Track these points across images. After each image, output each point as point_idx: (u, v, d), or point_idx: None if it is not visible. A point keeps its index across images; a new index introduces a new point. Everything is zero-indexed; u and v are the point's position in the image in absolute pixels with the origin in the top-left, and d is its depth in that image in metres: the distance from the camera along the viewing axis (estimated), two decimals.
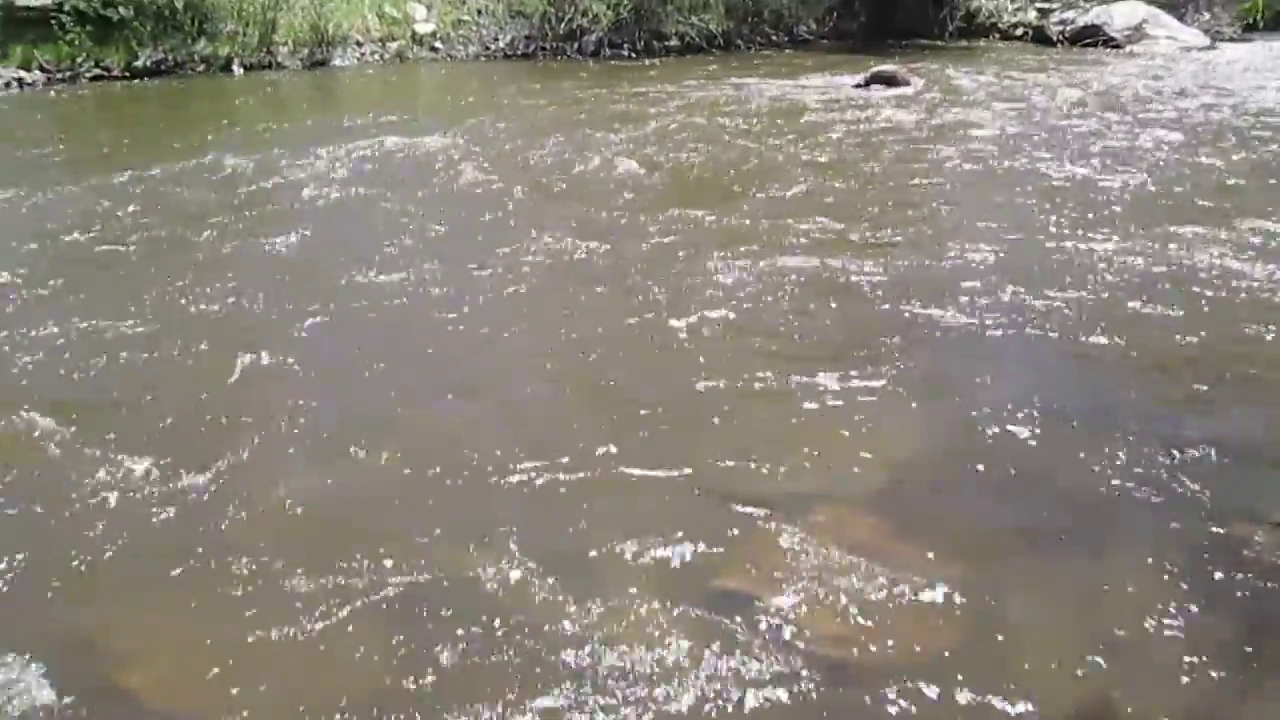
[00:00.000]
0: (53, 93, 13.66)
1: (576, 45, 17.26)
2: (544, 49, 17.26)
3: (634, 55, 17.31)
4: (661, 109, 11.73)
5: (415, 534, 3.48)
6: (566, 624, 3.01)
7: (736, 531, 3.46)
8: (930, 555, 3.33)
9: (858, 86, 13.51)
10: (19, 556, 3.37)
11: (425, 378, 4.77)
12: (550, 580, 3.20)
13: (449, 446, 4.03)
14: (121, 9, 14.37)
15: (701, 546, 3.36)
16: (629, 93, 13.15)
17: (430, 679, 2.82)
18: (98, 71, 14.39)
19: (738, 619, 3.02)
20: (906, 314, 5.36)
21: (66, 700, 2.77)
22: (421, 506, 3.67)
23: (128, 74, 14.47)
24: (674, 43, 17.82)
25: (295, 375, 4.74)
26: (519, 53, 17.19)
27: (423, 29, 17.08)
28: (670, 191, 7.97)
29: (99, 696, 2.81)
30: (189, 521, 3.56)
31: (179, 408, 4.44)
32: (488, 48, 17.28)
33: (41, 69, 14.19)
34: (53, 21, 14.30)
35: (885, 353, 4.89)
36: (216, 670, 2.89)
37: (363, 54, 16.45)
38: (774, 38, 18.90)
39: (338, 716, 2.70)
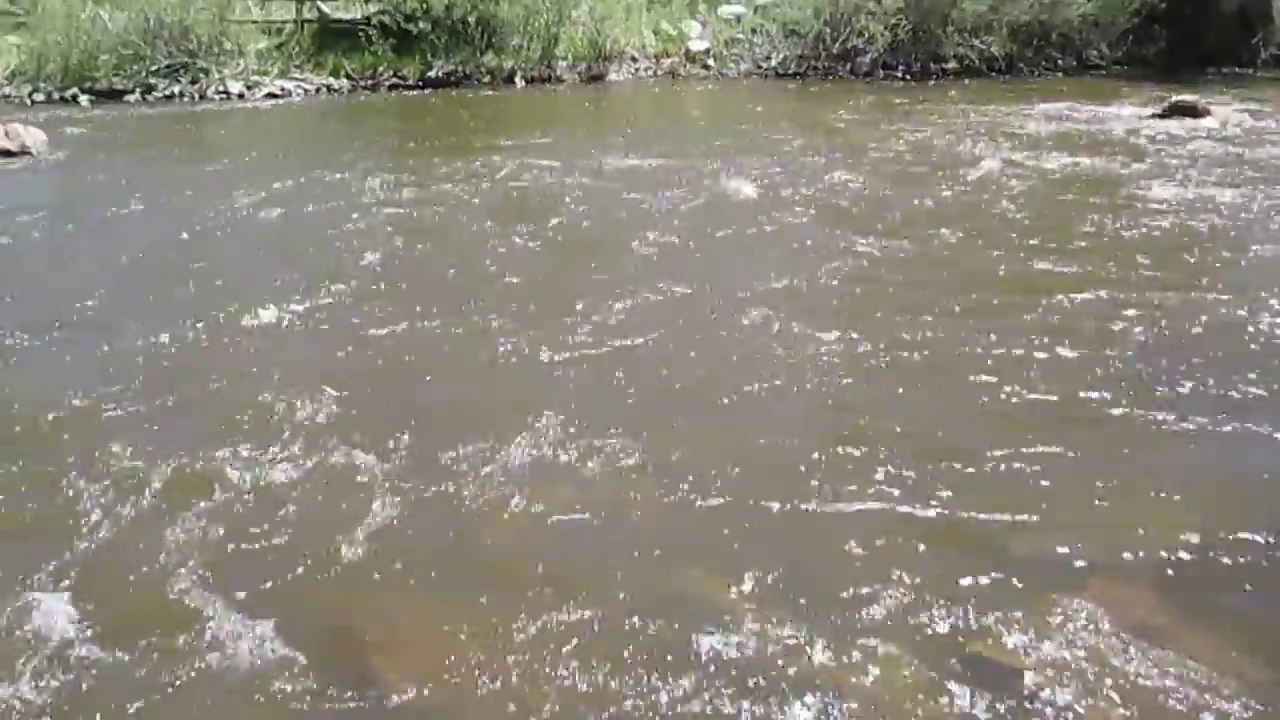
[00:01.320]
0: (358, 99, 14.75)
1: (850, 66, 16.92)
2: (815, 68, 17.03)
3: (909, 78, 16.76)
4: (939, 134, 11.24)
5: (658, 554, 3.36)
6: (806, 676, 2.77)
7: (1000, 591, 3.11)
8: (1230, 652, 2.86)
9: (1155, 117, 12.45)
10: (298, 541, 3.49)
11: (700, 395, 4.65)
12: (791, 626, 2.96)
13: (698, 468, 3.88)
14: (420, 23, 15.37)
15: (959, 604, 3.03)
16: (905, 112, 12.71)
17: (661, 700, 2.68)
18: (395, 80, 15.43)
19: (1000, 694, 2.68)
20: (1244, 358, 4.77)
21: (323, 680, 2.83)
22: (668, 530, 3.53)
23: (421, 84, 15.43)
24: (952, 65, 17.12)
25: (573, 375, 4.74)
26: (790, 72, 17.05)
27: (696, 46, 17.27)
28: (962, 228, 7.44)
29: (352, 682, 2.85)
30: (450, 522, 3.59)
31: (463, 396, 4.53)
32: (759, 66, 17.24)
33: (348, 77, 15.39)
34: (360, 34, 15.51)
35: (1203, 399, 4.34)
36: (464, 666, 2.87)
37: (637, 69, 16.82)
38: (1060, 62, 17.76)
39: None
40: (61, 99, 14.08)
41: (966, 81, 16.52)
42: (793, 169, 9.27)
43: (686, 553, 3.38)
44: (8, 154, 10.53)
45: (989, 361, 4.80)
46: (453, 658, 2.90)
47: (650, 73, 16.85)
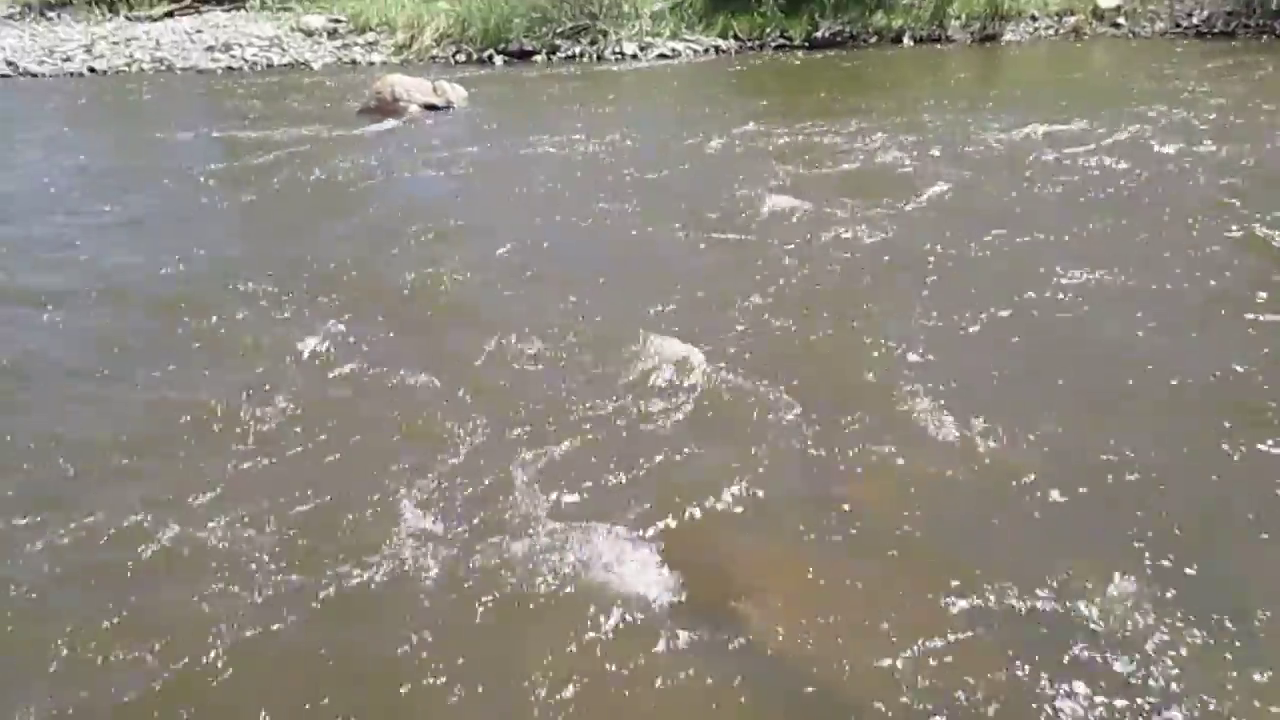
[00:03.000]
0: (744, 59, 14.94)
1: None
2: (1247, 26, 15.02)
3: None
4: None
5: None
6: None
7: None
8: None
9: None
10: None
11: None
12: None
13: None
14: None
15: None
16: None
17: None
18: (781, 41, 15.44)
19: None
20: None
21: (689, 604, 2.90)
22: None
23: (806, 44, 15.33)
24: None
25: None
26: (1215, 30, 15.16)
27: (1106, 3, 15.80)
28: None
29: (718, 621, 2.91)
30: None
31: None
32: (1178, 24, 15.48)
33: (735, 38, 15.61)
34: None
35: None
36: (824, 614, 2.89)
37: (1036, 29, 15.69)
38: None
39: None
40: (479, 60, 15.44)
41: None
42: (1228, 145, 8.14)
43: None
44: (435, 108, 11.71)
45: None
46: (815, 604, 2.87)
47: (1051, 32, 15.65)
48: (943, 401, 4.04)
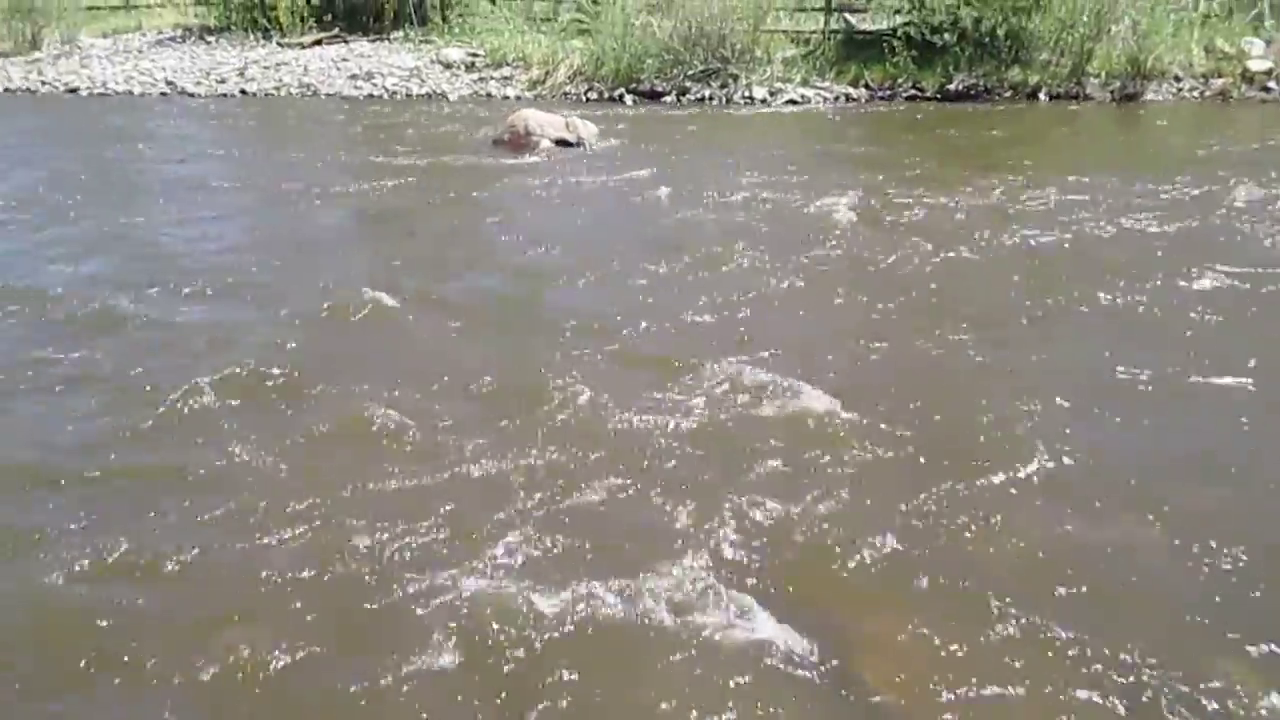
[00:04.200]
0: (874, 108, 14.88)
1: None
2: None
3: None
4: None
5: None
6: None
7: None
8: None
9: None
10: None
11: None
12: None
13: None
14: (946, 35, 15.09)
15: None
16: None
17: None
18: (913, 92, 15.32)
19: None
20: None
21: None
22: None
23: (938, 96, 15.18)
24: None
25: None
26: None
27: (1257, 66, 15.27)
28: None
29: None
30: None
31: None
32: None
33: (867, 86, 15.56)
34: (884, 45, 15.60)
35: None
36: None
37: (1180, 89, 15.24)
38: None
39: None
40: (610, 98, 15.70)
41: None
42: None
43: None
44: (567, 144, 11.96)
45: None
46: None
47: (1196, 94, 15.18)
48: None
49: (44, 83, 18.30)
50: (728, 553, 3.49)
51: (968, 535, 3.58)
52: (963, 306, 5.91)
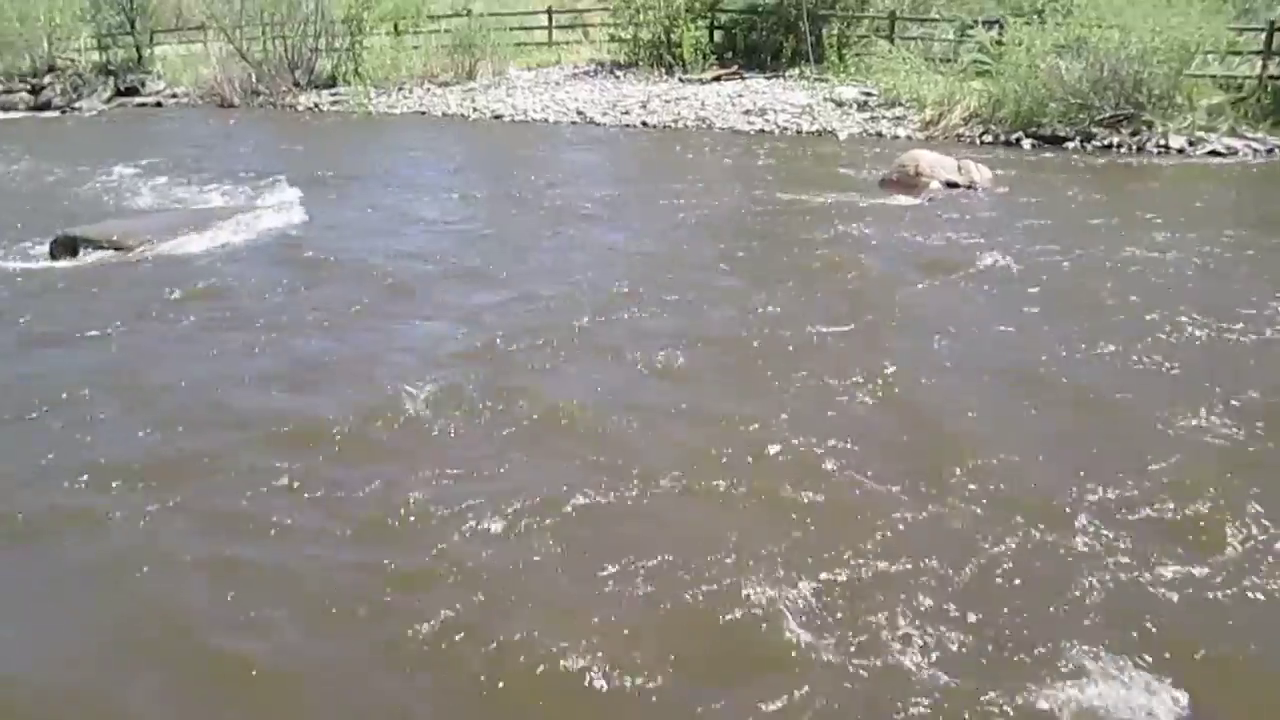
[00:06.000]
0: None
1: None
2: None
3: None
4: None
5: None
6: None
7: None
8: None
9: None
10: None
11: None
12: None
13: None
14: None
15: None
16: None
17: None
18: None
19: None
20: None
21: None
22: None
23: None
24: None
25: None
26: None
27: None
28: None
29: None
30: None
31: None
32: None
33: None
34: None
35: None
36: None
37: None
38: None
39: None
40: (1006, 141, 15.08)
41: None
42: None
43: None
44: (956, 185, 11.64)
45: None
46: None
47: None
48: None
49: (475, 109, 20.58)
50: None
51: None
52: None
